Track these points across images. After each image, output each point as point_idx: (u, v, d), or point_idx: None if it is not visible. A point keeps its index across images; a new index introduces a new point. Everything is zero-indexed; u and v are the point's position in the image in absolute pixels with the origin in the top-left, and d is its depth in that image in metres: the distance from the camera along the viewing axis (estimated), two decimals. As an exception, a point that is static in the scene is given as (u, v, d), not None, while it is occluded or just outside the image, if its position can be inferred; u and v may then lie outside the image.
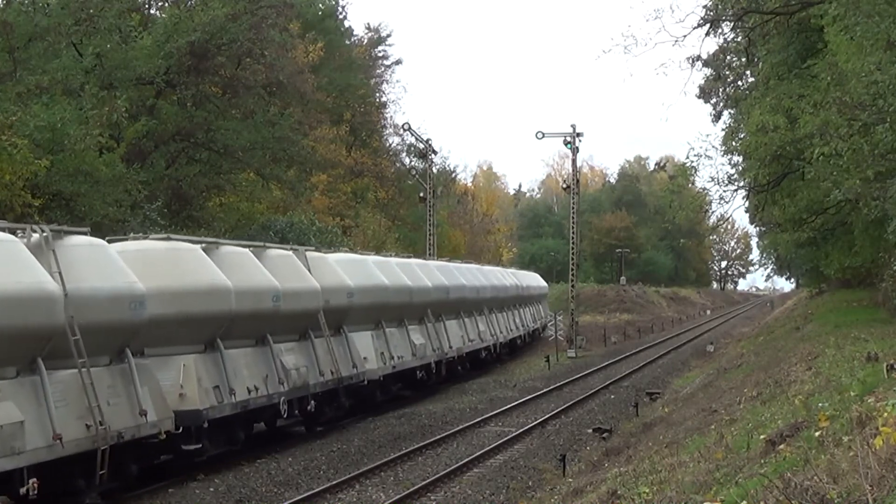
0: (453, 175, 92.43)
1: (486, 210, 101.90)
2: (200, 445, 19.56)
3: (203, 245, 21.89)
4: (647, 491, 11.92)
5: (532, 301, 59.73)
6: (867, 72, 21.21)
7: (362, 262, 30.19)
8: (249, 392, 21.33)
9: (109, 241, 19.55)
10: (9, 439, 14.53)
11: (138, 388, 17.69)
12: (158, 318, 18.82)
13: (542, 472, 20.33)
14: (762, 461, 11.06)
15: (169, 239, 21.20)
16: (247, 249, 23.34)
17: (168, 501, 18.01)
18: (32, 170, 26.89)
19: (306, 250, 26.82)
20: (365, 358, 27.87)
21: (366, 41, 76.79)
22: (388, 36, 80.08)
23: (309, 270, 25.35)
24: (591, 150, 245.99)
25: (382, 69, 77.84)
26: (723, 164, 35.62)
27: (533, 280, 65.37)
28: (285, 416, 23.06)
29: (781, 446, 11.32)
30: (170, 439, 18.44)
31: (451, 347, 36.30)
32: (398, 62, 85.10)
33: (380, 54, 77.83)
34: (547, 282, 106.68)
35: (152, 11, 47.75)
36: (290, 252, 25.45)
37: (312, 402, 24.05)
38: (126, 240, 21.00)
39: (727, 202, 35.09)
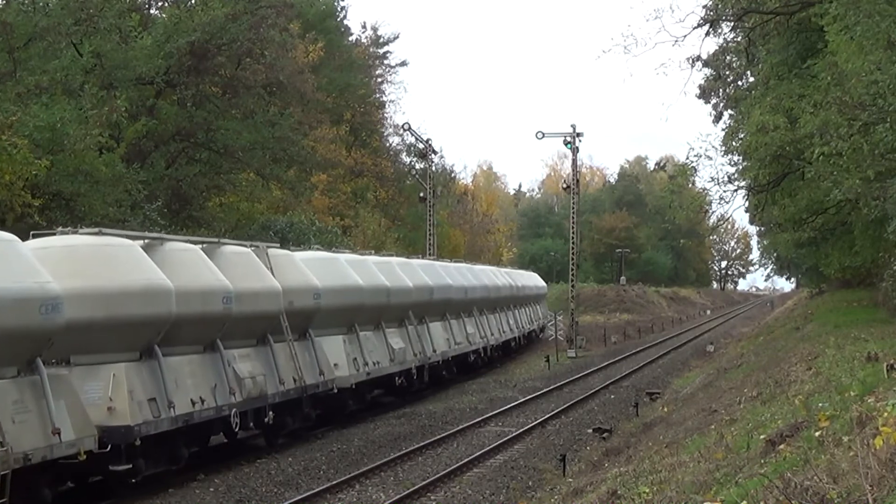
0: (452, 175, 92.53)
1: (485, 210, 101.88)
2: (131, 466, 17.48)
3: (145, 241, 20.03)
4: (647, 491, 11.92)
5: (528, 301, 57.65)
6: (867, 71, 21.20)
7: (333, 261, 28.19)
8: (194, 404, 19.19)
9: (34, 236, 18.26)
10: None
11: (51, 402, 15.54)
12: (83, 323, 17.01)
13: (542, 472, 20.33)
14: (762, 461, 11.05)
15: (101, 234, 19.11)
16: (196, 247, 21.31)
17: (168, 501, 18.01)
18: (32, 170, 26.87)
19: (268, 247, 24.66)
20: (335, 364, 25.94)
21: (365, 40, 76.79)
22: (396, 38, 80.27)
23: (271, 269, 23.38)
24: (591, 150, 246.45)
25: (385, 69, 77.86)
26: (723, 164, 35.63)
27: (530, 280, 63.08)
28: (237, 429, 20.84)
29: (781, 446, 11.32)
30: (96, 459, 16.48)
31: (434, 351, 34.03)
32: (403, 63, 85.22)
33: (381, 53, 77.80)
34: (547, 282, 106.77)
35: (152, 11, 47.77)
36: (249, 249, 23.42)
37: (271, 413, 22.06)
38: (53, 234, 18.85)
39: (727, 202, 35.10)
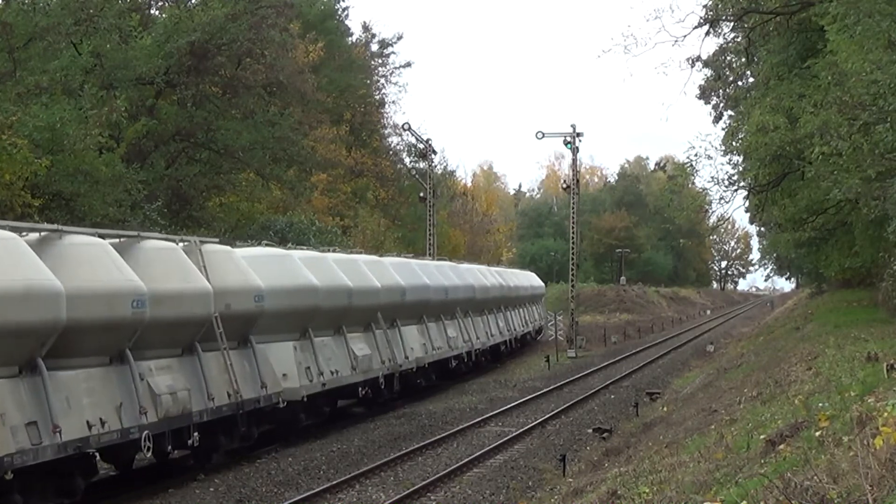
0: (452, 174, 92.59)
1: (485, 210, 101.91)
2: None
3: (41, 235, 17.20)
4: (647, 491, 11.92)
5: (522, 302, 54.34)
6: (867, 71, 21.20)
7: (283, 259, 25.15)
8: (90, 427, 16.12)
9: None
10: None
11: None
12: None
13: (542, 472, 20.33)
14: (762, 461, 11.06)
15: None
16: (103, 241, 18.11)
17: (168, 501, 18.01)
18: (32, 170, 26.89)
19: (203, 242, 21.61)
20: (284, 375, 23.13)
21: (363, 41, 76.81)
22: (400, 39, 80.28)
23: (204, 268, 20.47)
24: (591, 150, 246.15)
25: (388, 70, 77.86)
26: (723, 164, 35.61)
27: (525, 279, 59.26)
28: (148, 453, 17.79)
29: (781, 446, 11.32)
30: None
31: (407, 358, 31.12)
32: (407, 65, 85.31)
33: (385, 53, 77.83)
34: (547, 282, 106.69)
35: (152, 11, 47.81)
36: (177, 245, 20.48)
37: (196, 434, 19.06)
38: None
39: (727, 202, 35.12)
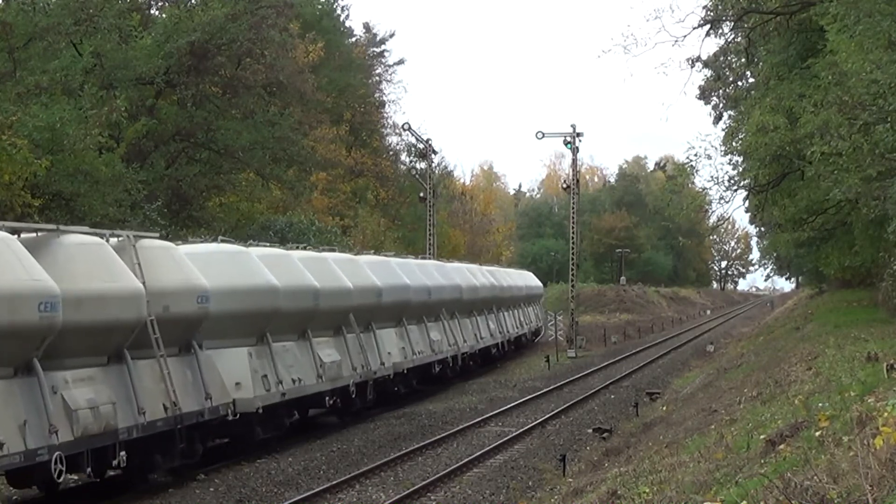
0: (451, 173, 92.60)
1: (483, 210, 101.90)
2: None
3: None
4: (647, 491, 11.93)
5: (518, 303, 52.42)
6: (867, 71, 21.21)
7: (236, 257, 22.84)
8: None
9: None
10: None
11: None
12: None
13: (542, 472, 20.33)
14: (762, 461, 11.06)
15: None
16: (10, 236, 16.10)
17: (168, 501, 18.01)
18: (32, 170, 26.89)
19: (139, 237, 19.40)
20: (237, 384, 21.21)
21: (364, 41, 76.83)
22: (392, 36, 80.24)
23: (138, 266, 18.39)
24: (591, 150, 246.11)
25: (383, 69, 77.92)
26: (723, 165, 35.62)
27: (520, 279, 57.00)
28: (59, 478, 15.62)
29: (781, 446, 11.33)
30: None
31: (383, 364, 29.11)
32: (400, 62, 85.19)
33: (378, 52, 77.82)
34: (547, 281, 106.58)
35: (152, 11, 47.81)
36: (104, 241, 18.23)
37: (123, 453, 17.00)
38: None
39: (727, 202, 35.16)
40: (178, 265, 19.99)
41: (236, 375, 21.29)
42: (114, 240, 18.65)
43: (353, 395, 26.71)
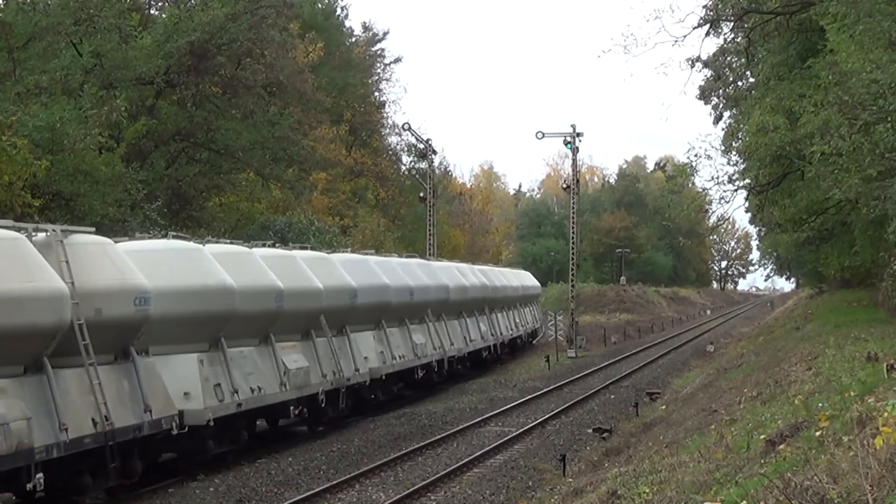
0: (449, 174, 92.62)
1: (482, 209, 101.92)
2: None
3: None
4: (647, 491, 11.93)
5: (512, 303, 50.73)
6: (867, 71, 21.22)
7: (187, 255, 20.92)
8: None
9: None
10: None
11: None
12: None
13: (542, 472, 20.33)
14: (762, 461, 11.06)
15: None
16: None
17: (168, 501, 18.01)
18: (32, 171, 26.89)
19: (67, 232, 17.59)
20: (186, 394, 19.43)
21: (363, 41, 76.84)
22: (387, 34, 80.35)
23: (66, 264, 16.71)
24: (591, 150, 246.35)
25: (382, 68, 77.93)
26: (723, 165, 35.67)
27: (515, 279, 55.01)
28: None
29: (781, 446, 11.33)
30: None
31: (357, 370, 27.10)
32: (397, 60, 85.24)
33: (377, 52, 77.84)
34: (547, 282, 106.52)
35: (152, 11, 47.81)
36: (21, 236, 16.30)
37: (40, 475, 15.13)
38: None
39: (727, 202, 35.19)
40: (113, 263, 17.91)
41: (185, 385, 19.42)
42: (40, 235, 16.90)
43: (323, 404, 24.67)
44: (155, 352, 19.16)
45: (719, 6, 34.39)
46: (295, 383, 23.32)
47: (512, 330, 49.05)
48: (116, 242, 19.33)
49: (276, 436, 24.75)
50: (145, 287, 18.14)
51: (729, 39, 40.06)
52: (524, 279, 58.68)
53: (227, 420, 20.49)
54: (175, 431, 18.59)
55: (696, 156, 33.96)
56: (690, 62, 39.49)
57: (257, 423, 24.04)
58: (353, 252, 32.93)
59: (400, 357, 30.64)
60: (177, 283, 19.79)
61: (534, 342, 57.38)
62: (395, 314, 31.16)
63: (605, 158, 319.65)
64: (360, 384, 27.49)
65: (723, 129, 42.68)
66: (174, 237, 21.84)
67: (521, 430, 25.98)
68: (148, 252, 20.08)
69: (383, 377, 29.02)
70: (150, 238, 21.62)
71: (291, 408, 23.41)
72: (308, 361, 24.32)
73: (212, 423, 19.65)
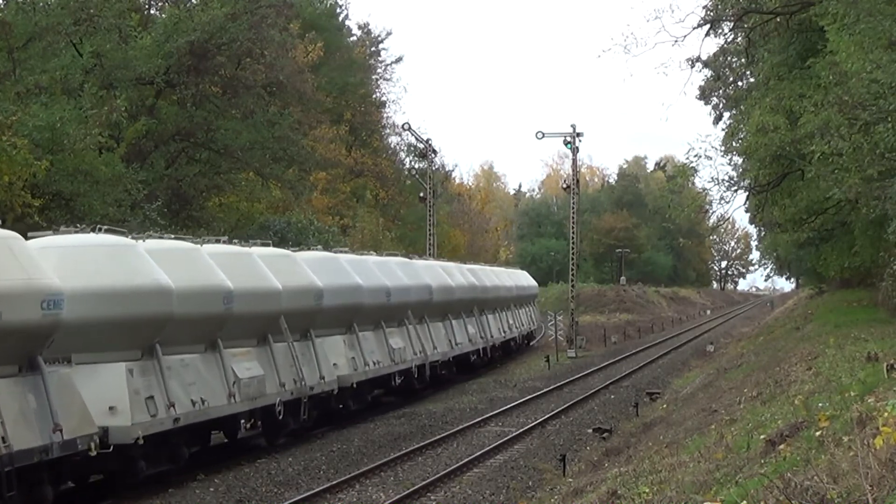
0: (449, 174, 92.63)
1: (481, 209, 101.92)
2: None
3: None
4: (647, 491, 11.92)
5: (506, 304, 48.59)
6: (867, 71, 21.22)
7: (116, 251, 18.61)
8: None
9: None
10: None
11: None
12: None
13: (542, 472, 20.33)
14: (762, 461, 11.06)
15: None
16: None
17: (168, 501, 18.01)
18: (32, 171, 26.88)
19: None
20: (111, 408, 17.19)
21: (364, 41, 76.85)
22: (389, 35, 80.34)
23: None
24: (591, 150, 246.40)
25: (382, 68, 77.95)
26: (723, 165, 35.66)
27: (509, 278, 52.49)
28: None
29: (781, 446, 11.33)
30: None
31: (323, 378, 24.79)
32: (398, 60, 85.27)
33: (377, 52, 77.86)
34: (547, 282, 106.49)
35: (152, 11, 47.81)
36: None
37: None
38: None
39: (727, 202, 35.17)
40: (18, 261, 15.68)
41: (110, 398, 17.16)
42: None
43: (281, 416, 22.51)
44: (78, 360, 17.27)
45: (719, 6, 34.39)
46: (247, 394, 21.08)
47: (504, 332, 47.02)
48: (33, 237, 17.88)
49: (234, 450, 22.42)
50: (56, 288, 15.88)
51: (729, 39, 40.09)
52: (519, 279, 56.59)
53: (162, 437, 18.32)
54: (94, 452, 16.10)
55: (696, 156, 33.96)
56: (690, 62, 39.51)
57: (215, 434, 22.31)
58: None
59: (375, 363, 28.47)
60: (101, 283, 17.66)
61: (530, 344, 56.32)
62: (369, 317, 28.96)
63: (605, 158, 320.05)
64: (327, 393, 25.22)
65: (723, 130, 42.72)
66: (107, 230, 19.25)
67: (521, 430, 25.98)
68: (68, 248, 18.01)
69: (354, 385, 26.77)
70: (76, 232, 19.03)
71: (242, 421, 21.50)
72: (263, 369, 22.11)
73: (141, 442, 17.32)
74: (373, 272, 29.96)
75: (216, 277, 20.57)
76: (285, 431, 23.62)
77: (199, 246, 21.39)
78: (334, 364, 25.96)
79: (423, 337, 33.34)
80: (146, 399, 17.92)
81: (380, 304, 29.55)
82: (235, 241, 25.24)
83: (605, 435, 24.49)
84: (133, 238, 19.43)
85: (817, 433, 10.76)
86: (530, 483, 19.64)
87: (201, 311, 19.83)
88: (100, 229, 19.12)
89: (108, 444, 16.62)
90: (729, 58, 43.25)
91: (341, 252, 31.15)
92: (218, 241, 23.66)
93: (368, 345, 28.52)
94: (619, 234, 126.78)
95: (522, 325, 52.52)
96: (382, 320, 30.01)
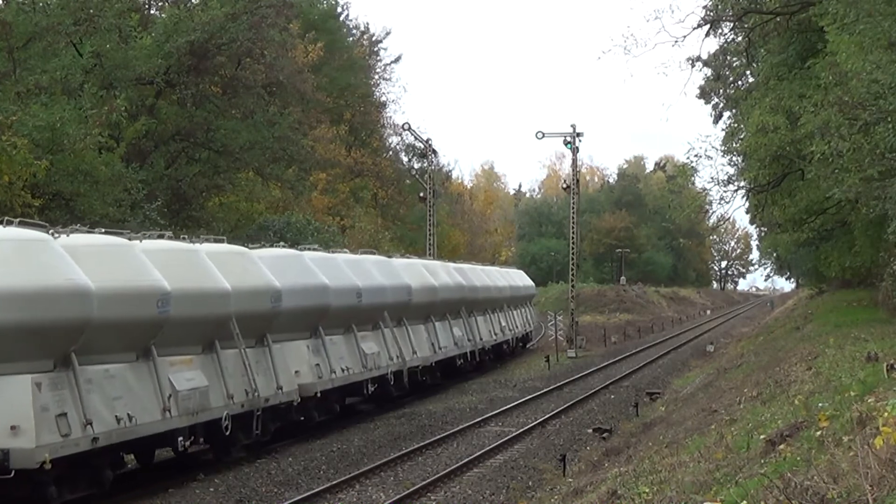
0: (449, 174, 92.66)
1: (483, 210, 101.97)
2: None
3: None
4: (647, 491, 11.92)
5: (499, 305, 46.26)
6: (867, 71, 21.22)
7: (28, 247, 16.44)
8: None
9: None
10: None
11: None
12: None
13: (542, 472, 20.33)
14: (762, 461, 11.06)
15: None
16: None
17: (168, 501, 18.00)
18: (32, 171, 26.88)
19: None
20: (14, 428, 15.34)
21: (364, 41, 76.86)
22: (388, 34, 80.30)
23: None
24: (590, 150, 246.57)
25: (381, 68, 77.95)
26: (723, 165, 35.69)
27: (503, 278, 49.78)
28: None
29: (781, 446, 11.33)
30: None
31: (280, 389, 22.50)
32: (397, 59, 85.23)
33: (376, 51, 77.85)
34: (547, 282, 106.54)
35: (152, 11, 47.82)
36: None
37: None
38: None
39: (727, 202, 35.20)
40: None
41: (11, 416, 15.18)
42: None
43: (229, 431, 20.20)
44: None
45: (719, 6, 34.40)
46: (186, 408, 18.76)
47: (496, 335, 44.51)
48: None
49: (178, 467, 20.74)
50: None
51: (729, 39, 40.10)
52: (514, 278, 53.84)
53: (78, 459, 16.15)
54: None
55: (696, 156, 34.04)
56: (691, 61, 39.52)
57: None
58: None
59: (344, 370, 26.16)
60: (4, 283, 15.51)
61: (527, 347, 54.97)
62: (337, 320, 26.48)
63: (605, 158, 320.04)
64: (286, 404, 22.95)
65: (723, 130, 42.74)
66: (20, 223, 16.95)
67: (521, 430, 25.98)
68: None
69: (318, 394, 24.41)
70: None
71: (180, 439, 18.90)
72: (208, 379, 19.76)
73: (49, 466, 15.17)
74: (342, 271, 27.52)
75: (149, 277, 18.12)
76: (238, 448, 21.36)
77: (132, 242, 18.72)
78: (296, 372, 23.74)
79: (402, 341, 31.02)
80: (57, 417, 15.61)
81: (349, 305, 27.09)
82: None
83: (605, 435, 24.49)
84: (53, 234, 17.02)
85: (817, 433, 10.76)
86: (530, 483, 19.64)
87: (130, 315, 17.48)
88: (10, 222, 16.72)
89: (8, 469, 14.86)
90: (729, 57, 43.27)
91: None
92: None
93: (337, 350, 26.17)
94: (619, 234, 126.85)
95: (517, 326, 50.28)
96: (353, 323, 27.55)
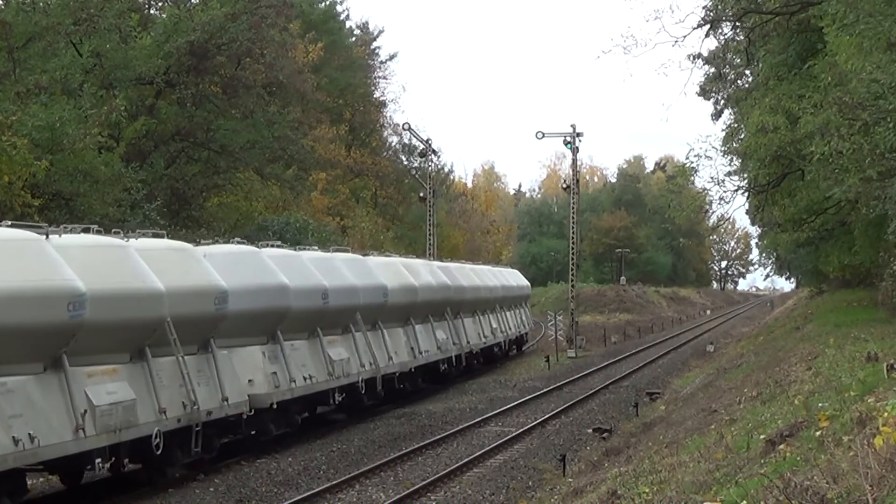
0: (450, 174, 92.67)
1: (484, 210, 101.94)
2: None
3: None
4: (647, 491, 11.93)
5: (490, 306, 43.72)
6: (867, 71, 21.23)
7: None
8: None
9: None
10: None
11: None
12: None
13: (542, 472, 20.34)
14: (762, 461, 11.06)
15: None
16: None
17: (168, 501, 18.00)
18: (31, 171, 26.88)
19: None
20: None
21: (360, 41, 76.85)
22: (381, 32, 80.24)
23: None
24: (591, 149, 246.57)
25: (378, 66, 77.96)
26: (723, 165, 35.71)
27: (495, 277, 46.91)
28: None
29: (781, 446, 11.33)
30: None
31: (226, 401, 20.09)
32: (393, 57, 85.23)
33: (373, 49, 77.86)
34: (547, 281, 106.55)
35: (152, 11, 47.84)
36: None
37: None
38: None
39: (727, 202, 35.21)
40: None
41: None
42: None
43: (160, 450, 17.92)
44: None
45: (719, 6, 34.39)
46: (106, 425, 16.37)
47: (485, 337, 41.84)
48: None
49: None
50: None
51: (729, 39, 40.07)
52: (507, 278, 50.88)
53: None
54: None
55: (696, 156, 34.04)
56: (691, 58, 39.44)
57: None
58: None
59: (307, 378, 23.84)
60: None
61: (522, 350, 53.19)
62: (299, 323, 24.13)
63: (605, 158, 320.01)
64: (234, 417, 20.70)
65: (723, 130, 42.71)
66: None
67: (521, 430, 25.98)
68: None
69: (274, 405, 22.14)
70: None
71: (98, 461, 16.62)
72: (136, 392, 17.42)
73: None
74: (306, 270, 25.02)
75: (58, 277, 15.73)
76: (175, 468, 19.30)
77: (40, 237, 16.29)
78: (249, 381, 21.54)
79: (376, 345, 28.52)
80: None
81: (313, 307, 24.64)
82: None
83: (605, 435, 24.49)
84: None
85: (817, 433, 10.77)
86: (530, 483, 19.64)
87: (34, 320, 15.14)
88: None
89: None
90: (730, 55, 43.25)
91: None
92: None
93: (299, 357, 23.81)
94: (619, 233, 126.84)
95: (510, 328, 47.48)
96: (319, 327, 25.11)
